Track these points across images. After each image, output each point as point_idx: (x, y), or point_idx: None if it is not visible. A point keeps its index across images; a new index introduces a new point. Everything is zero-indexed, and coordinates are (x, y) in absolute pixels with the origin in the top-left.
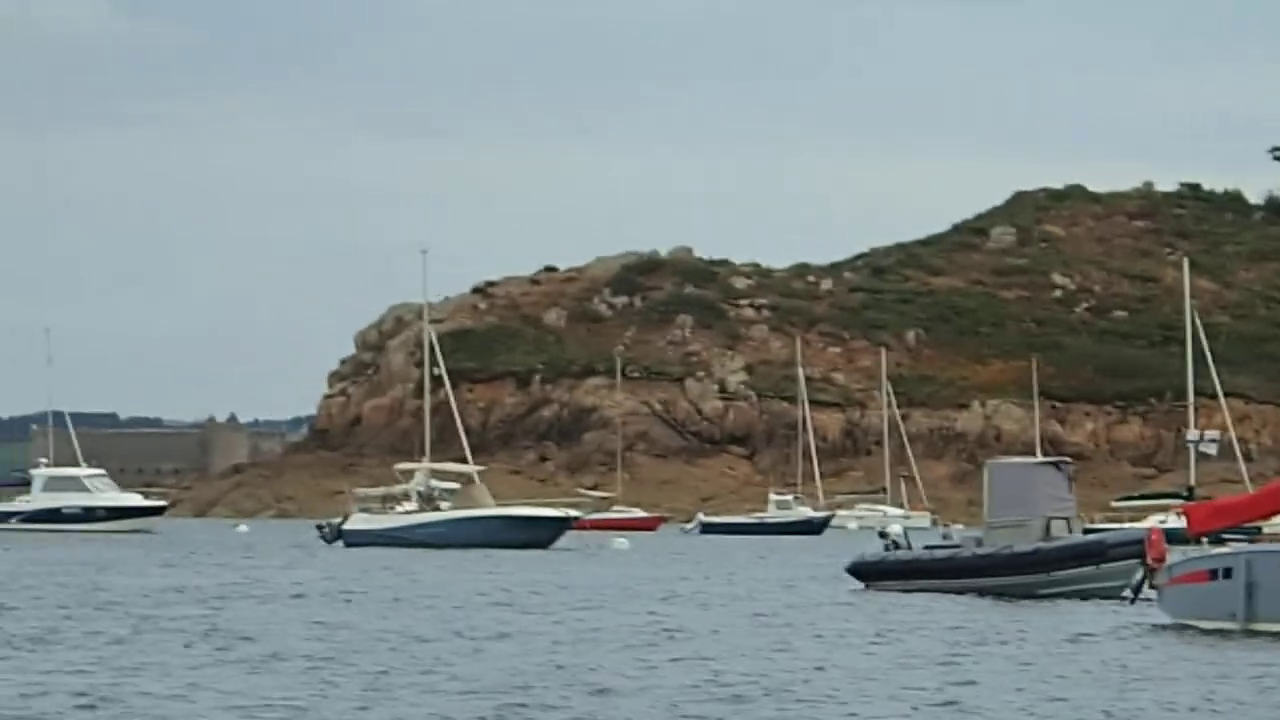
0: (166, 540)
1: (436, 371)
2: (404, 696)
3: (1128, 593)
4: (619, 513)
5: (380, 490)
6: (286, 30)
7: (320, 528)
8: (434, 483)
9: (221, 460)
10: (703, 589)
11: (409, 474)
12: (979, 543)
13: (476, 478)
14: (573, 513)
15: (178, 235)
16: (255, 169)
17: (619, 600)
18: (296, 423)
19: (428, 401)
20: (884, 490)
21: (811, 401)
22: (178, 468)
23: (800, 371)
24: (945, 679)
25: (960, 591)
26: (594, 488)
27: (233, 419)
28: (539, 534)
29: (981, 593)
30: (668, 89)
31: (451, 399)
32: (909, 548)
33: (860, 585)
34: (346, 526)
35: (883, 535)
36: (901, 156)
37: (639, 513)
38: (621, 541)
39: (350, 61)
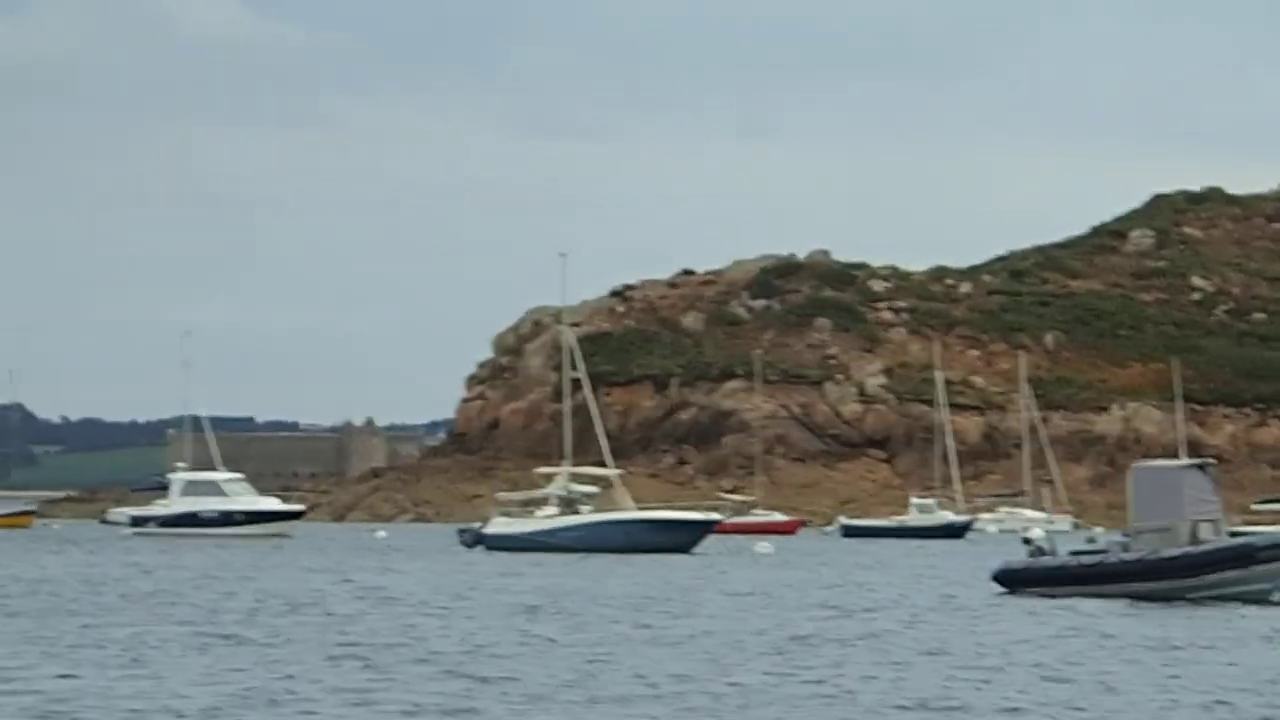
0: (332, 544)
1: (575, 375)
2: None
3: (1277, 595)
4: (758, 516)
5: (521, 494)
6: (430, 32)
7: (461, 532)
8: (573, 486)
9: (358, 464)
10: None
11: (549, 478)
12: (1125, 547)
13: (617, 481)
14: (715, 516)
15: (318, 236)
16: (396, 171)
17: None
18: (433, 427)
19: (568, 405)
20: (1023, 493)
21: (950, 404)
22: (315, 472)
23: (939, 375)
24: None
25: (1108, 597)
26: (732, 491)
27: (370, 423)
28: (681, 538)
29: (1130, 598)
30: (807, 92)
31: (591, 402)
32: (1054, 553)
33: (1004, 591)
34: (487, 531)
35: (1027, 541)
36: (1040, 159)
37: (778, 516)
38: (764, 545)
39: (494, 64)
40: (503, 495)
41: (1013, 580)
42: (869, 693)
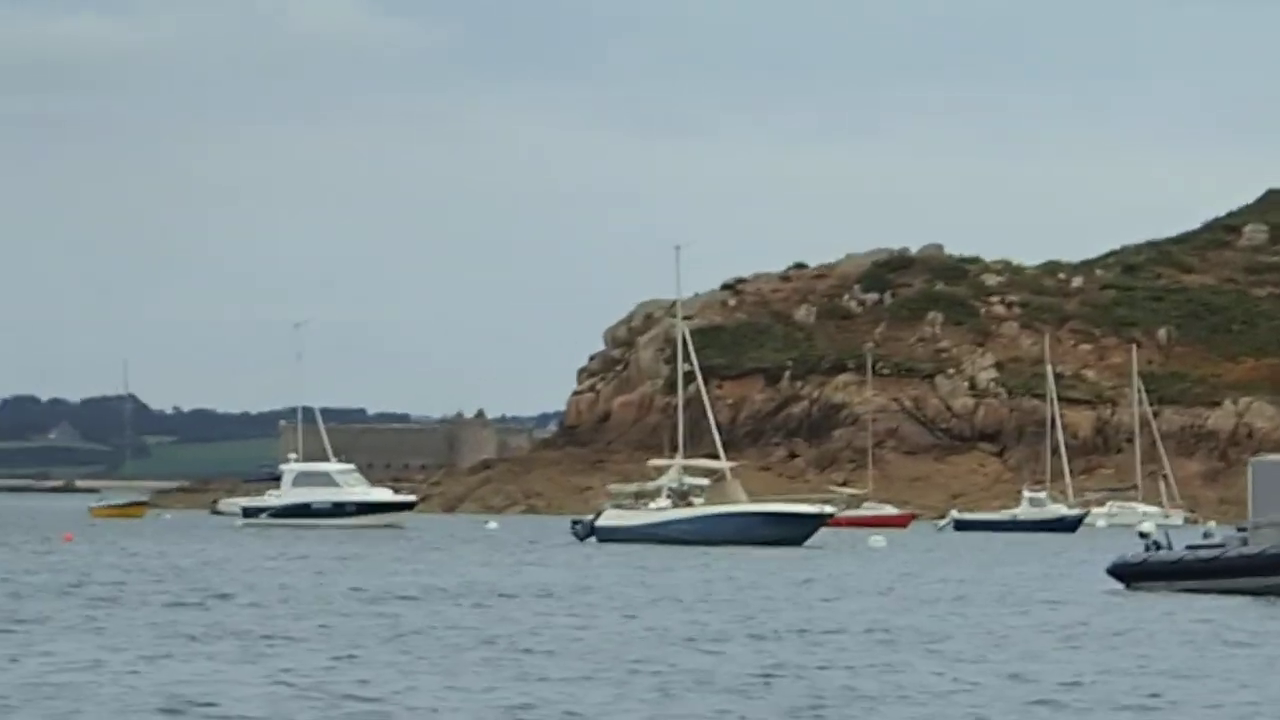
0: (446, 537)
1: (688, 368)
2: None
3: None
4: (870, 510)
5: (633, 486)
6: (541, 29)
7: (575, 524)
8: (685, 479)
9: (469, 456)
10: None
11: (662, 470)
12: (1243, 541)
13: (730, 474)
14: (828, 509)
15: (429, 230)
16: (509, 165)
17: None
18: (543, 419)
19: (681, 398)
20: (1135, 488)
21: (1062, 399)
22: (425, 463)
23: (1049, 369)
24: None
25: (1227, 592)
26: (843, 484)
27: (480, 415)
28: (794, 531)
29: (1249, 593)
30: (919, 88)
31: (705, 395)
32: (1170, 548)
33: (1120, 586)
34: (599, 523)
35: (1143, 535)
36: (1154, 154)
37: (890, 510)
38: (878, 539)
39: (606, 60)
40: (614, 487)
41: (1129, 575)
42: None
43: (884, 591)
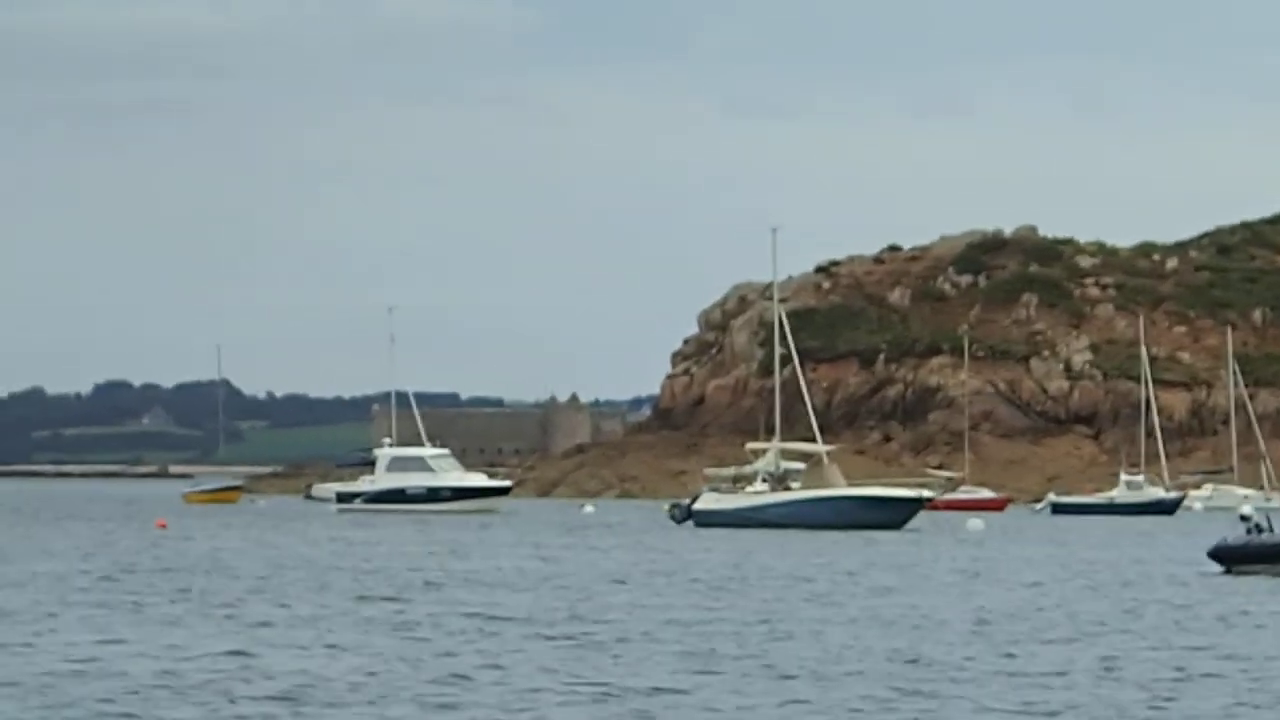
0: (562, 521)
1: (783, 351)
2: None
3: None
4: (967, 493)
5: (731, 470)
6: (634, 10)
7: (674, 507)
8: (782, 463)
9: (563, 440)
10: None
11: (759, 453)
12: None
13: (827, 457)
14: (927, 493)
15: (522, 213)
16: (602, 148)
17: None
18: (636, 403)
19: (778, 380)
20: (1231, 470)
21: (1157, 381)
22: (519, 448)
23: (1144, 351)
24: None
25: None
26: (938, 468)
27: (574, 399)
28: (893, 515)
29: None
30: (1011, 68)
31: (801, 378)
32: (1271, 530)
33: (1219, 570)
34: (697, 506)
35: (1244, 518)
36: (1248, 134)
37: (987, 493)
38: (977, 522)
39: (698, 42)
40: (711, 471)
41: (1230, 557)
42: None
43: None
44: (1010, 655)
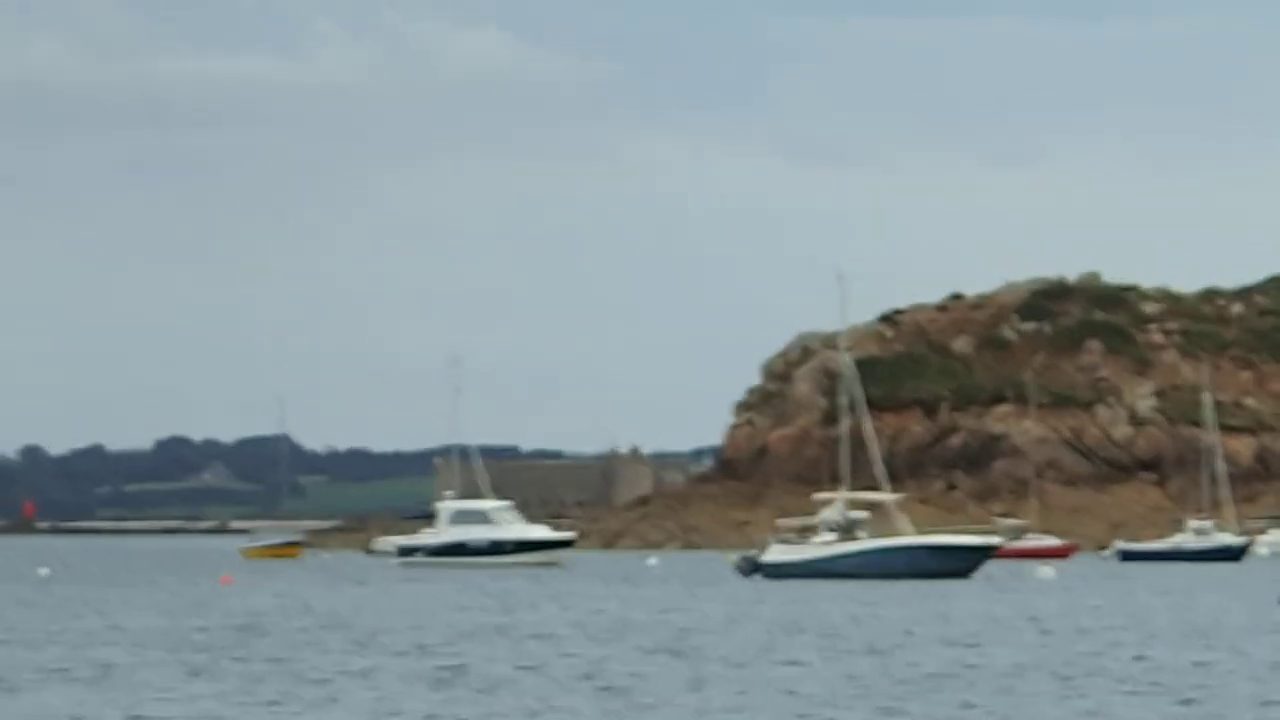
0: (622, 575)
1: (844, 399)
2: None
3: None
4: (1033, 541)
5: (799, 521)
6: (699, 60)
7: (745, 559)
8: (850, 513)
9: (625, 492)
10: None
11: (827, 503)
12: None
13: (895, 506)
14: (995, 540)
15: (583, 263)
16: (662, 198)
17: None
18: (697, 454)
19: (846, 429)
20: None
21: (1223, 426)
22: (581, 500)
23: (1207, 396)
24: None
25: None
26: (1003, 515)
27: (635, 450)
28: (962, 563)
29: None
30: (1072, 117)
31: (868, 426)
32: None
33: None
34: (766, 558)
35: None
36: None
37: (1053, 540)
38: (1047, 570)
39: (762, 91)
40: (783, 521)
41: None
42: None
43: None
44: None
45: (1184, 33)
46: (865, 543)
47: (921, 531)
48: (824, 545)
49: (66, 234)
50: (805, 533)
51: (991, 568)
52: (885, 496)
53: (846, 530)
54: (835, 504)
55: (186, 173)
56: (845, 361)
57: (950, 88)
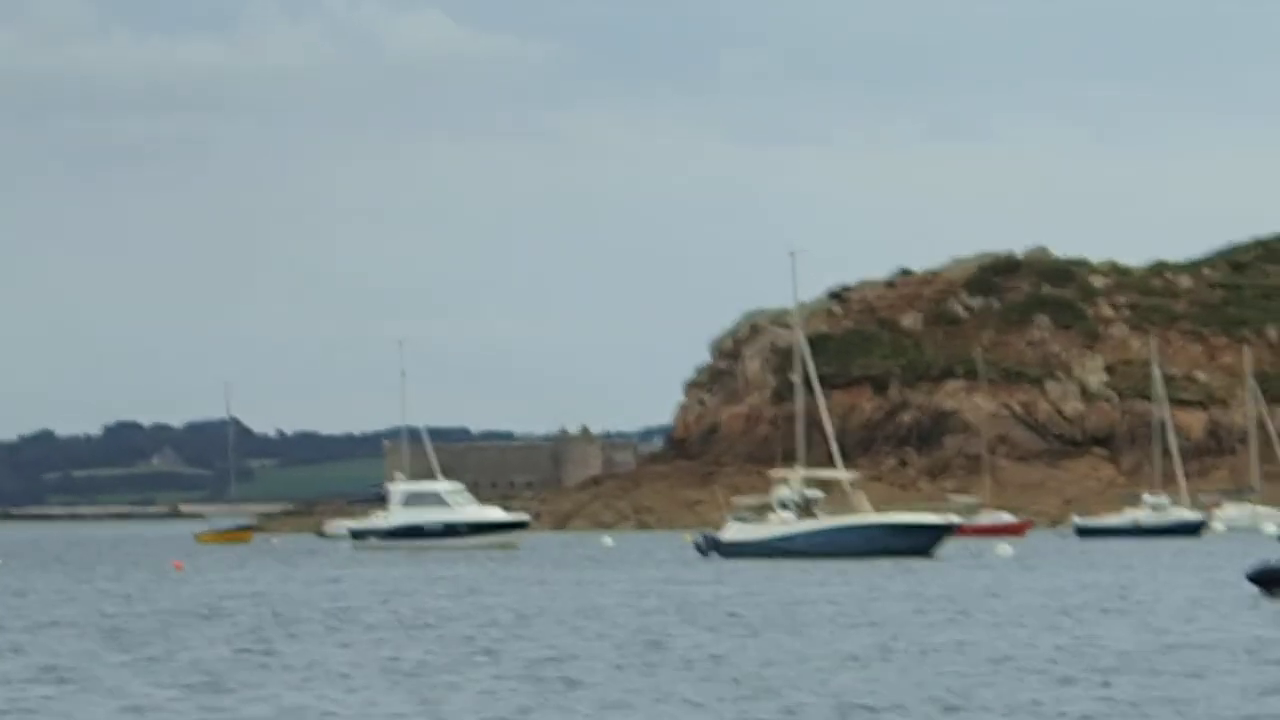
0: (618, 556)
1: (794, 377)
2: None
3: None
4: (988, 518)
5: (756, 499)
6: (633, 40)
7: (705, 538)
8: (806, 491)
9: (575, 473)
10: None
11: (783, 481)
12: None
13: (852, 485)
14: (954, 519)
15: (529, 246)
16: (607, 179)
17: None
18: (647, 434)
19: (800, 407)
20: (1253, 490)
21: (1173, 400)
22: (531, 481)
23: (1156, 371)
24: None
25: None
26: (956, 492)
27: (585, 431)
28: (922, 541)
29: None
30: (1018, 91)
31: (823, 404)
32: None
33: (1257, 592)
34: (724, 537)
35: None
36: (1258, 150)
37: (1007, 517)
38: (1005, 547)
39: (707, 69)
40: (739, 500)
41: (1271, 580)
42: None
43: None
44: None
45: (1132, 4)
46: (824, 521)
47: (878, 509)
48: (782, 524)
49: (9, 220)
50: (762, 511)
51: (949, 546)
52: (841, 474)
53: (804, 508)
54: (792, 482)
55: (131, 159)
56: (799, 339)
57: (895, 62)
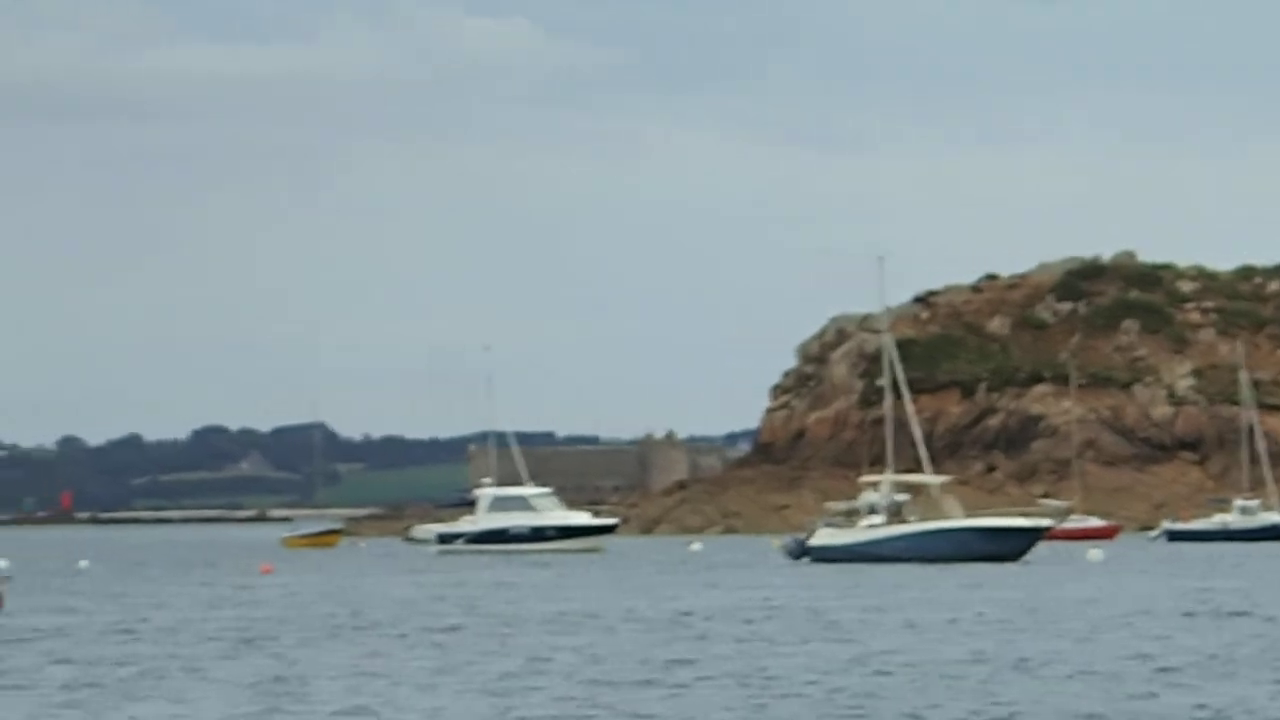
0: (668, 561)
1: (881, 382)
2: None
3: None
4: (1077, 522)
5: (846, 504)
6: (723, 44)
7: (794, 543)
8: (895, 495)
9: (660, 477)
10: None
11: (872, 486)
12: None
13: (943, 489)
14: (1045, 522)
15: (615, 253)
16: (694, 184)
17: None
18: (732, 438)
19: (889, 411)
20: None
21: (1261, 405)
22: (616, 485)
23: (1244, 375)
24: None
25: None
26: (1044, 497)
27: (670, 435)
28: (1012, 545)
29: None
30: (1108, 96)
31: (910, 409)
32: None
33: None
34: (813, 541)
35: None
36: None
37: (1097, 521)
38: (1096, 552)
39: (789, 75)
40: (832, 505)
41: None
42: None
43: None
44: None
45: (1221, 12)
46: (914, 525)
47: (968, 513)
48: (871, 528)
49: (97, 225)
50: (852, 516)
51: (1040, 550)
52: (931, 479)
53: (893, 513)
54: (881, 486)
55: (213, 164)
56: (887, 343)
57: (981, 69)
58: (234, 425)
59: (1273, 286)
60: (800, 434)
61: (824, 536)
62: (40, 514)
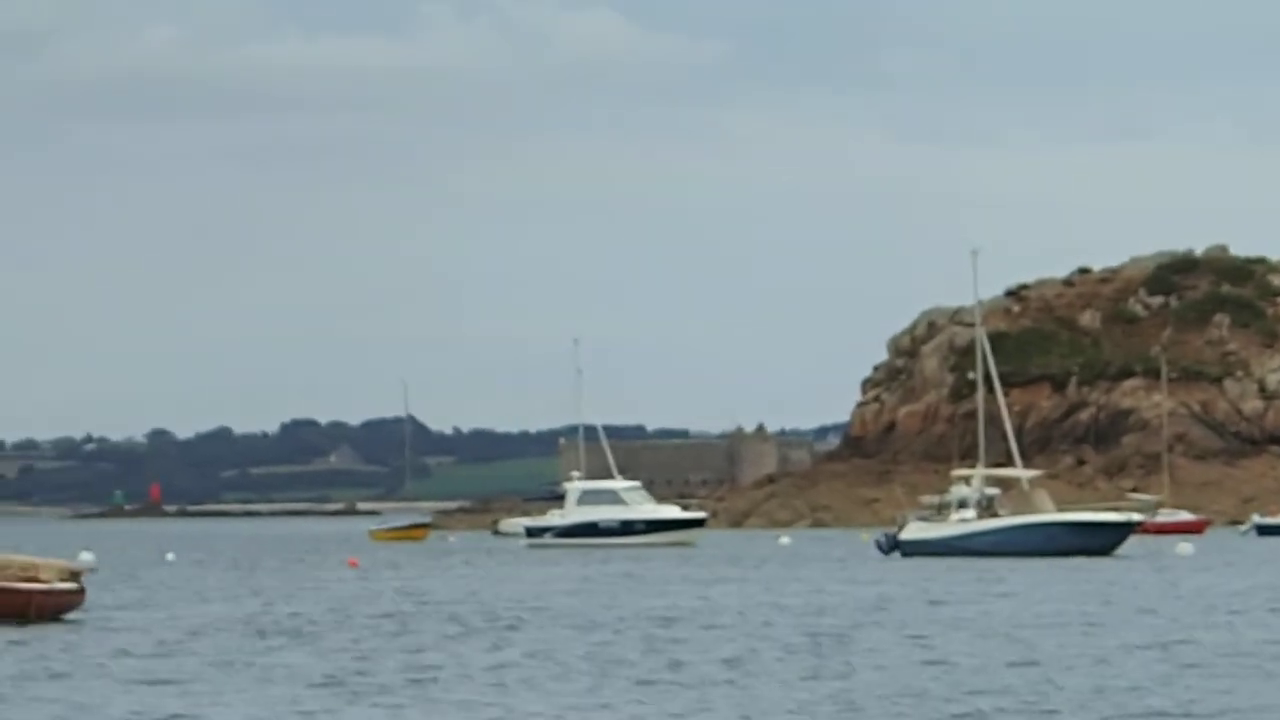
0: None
1: (971, 376)
2: None
3: None
4: (1167, 516)
5: (939, 498)
6: (816, 38)
7: (885, 537)
8: (987, 489)
9: (750, 471)
10: None
11: (964, 480)
12: None
13: (1032, 483)
14: (1136, 517)
15: (707, 243)
16: (783, 177)
17: None
18: (821, 431)
19: (981, 405)
20: None
21: None
22: (706, 479)
23: None
24: None
25: None
26: (1134, 491)
27: (760, 429)
28: (1103, 540)
29: None
30: (1199, 90)
31: (1002, 402)
32: None
33: None
34: (904, 535)
35: None
36: None
37: (1186, 515)
38: (1186, 546)
39: (881, 68)
40: (925, 499)
41: None
42: None
43: None
44: None
45: None
46: (1005, 519)
47: (1060, 508)
48: (963, 522)
49: (192, 221)
50: (943, 510)
51: (1129, 544)
52: (1022, 473)
53: (984, 507)
54: (973, 480)
55: (303, 159)
56: (980, 336)
57: (1073, 60)
58: (323, 418)
59: None
60: (890, 427)
61: (915, 530)
62: (130, 507)
